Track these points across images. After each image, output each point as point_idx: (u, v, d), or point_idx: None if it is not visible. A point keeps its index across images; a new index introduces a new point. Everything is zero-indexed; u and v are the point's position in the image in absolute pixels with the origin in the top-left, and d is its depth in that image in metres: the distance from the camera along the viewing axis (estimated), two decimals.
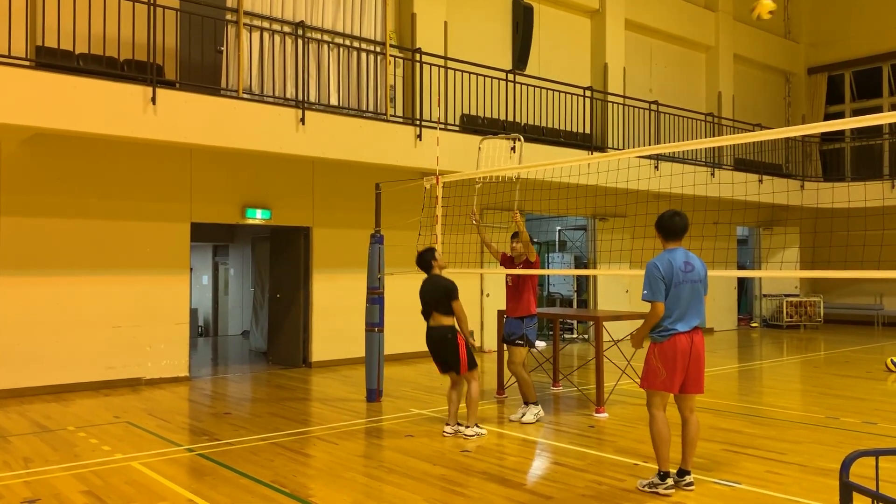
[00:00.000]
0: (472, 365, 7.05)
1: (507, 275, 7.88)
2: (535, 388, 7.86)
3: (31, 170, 9.14)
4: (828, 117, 20.37)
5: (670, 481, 5.17)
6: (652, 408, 5.24)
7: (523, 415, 7.65)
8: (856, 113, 20.17)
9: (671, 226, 5.30)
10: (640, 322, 5.52)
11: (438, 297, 7.01)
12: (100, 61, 8.88)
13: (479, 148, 8.88)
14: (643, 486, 5.25)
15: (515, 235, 7.81)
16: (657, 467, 5.26)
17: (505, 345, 8.04)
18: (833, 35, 20.32)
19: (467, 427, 6.98)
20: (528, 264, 7.72)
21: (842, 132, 19.23)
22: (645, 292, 5.22)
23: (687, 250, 5.35)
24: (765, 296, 19.23)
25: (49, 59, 8.41)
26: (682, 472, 5.28)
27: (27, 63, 8.07)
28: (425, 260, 7.29)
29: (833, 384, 10.17)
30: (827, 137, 19.41)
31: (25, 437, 6.92)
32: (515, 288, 7.77)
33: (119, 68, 9.00)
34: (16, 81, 7.60)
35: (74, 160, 9.44)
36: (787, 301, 18.52)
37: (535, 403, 7.73)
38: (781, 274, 16.34)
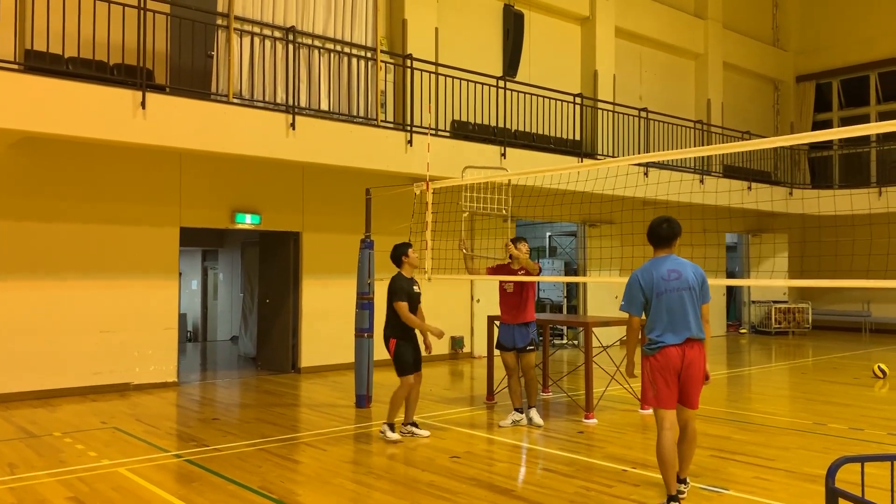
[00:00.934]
0: (401, 372, 7.05)
1: (509, 281, 7.85)
2: (521, 395, 7.87)
3: (20, 173, 9.09)
4: (816, 125, 20.52)
5: None
6: (658, 426, 4.97)
7: (513, 421, 7.66)
8: (844, 121, 20.32)
9: (658, 232, 5.11)
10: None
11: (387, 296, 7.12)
12: (89, 65, 8.84)
13: (462, 176, 8.88)
14: None
15: (513, 241, 7.79)
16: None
17: (500, 351, 7.98)
18: (821, 43, 20.49)
19: (388, 424, 7.05)
20: (528, 272, 7.76)
21: (830, 140, 19.37)
22: (622, 304, 5.14)
23: (679, 258, 5.14)
24: (753, 302, 19.32)
25: (38, 63, 8.37)
26: (678, 480, 5.23)
27: (16, 66, 8.02)
28: (395, 255, 7.34)
29: (821, 390, 10.22)
30: (815, 146, 19.54)
31: (11, 442, 6.86)
32: (518, 294, 7.76)
33: (109, 72, 8.96)
34: (4, 85, 7.56)
35: (63, 164, 9.39)
36: (775, 307, 18.60)
37: (518, 411, 7.78)
38: (771, 282, 16.41)
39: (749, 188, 16.40)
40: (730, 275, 19.25)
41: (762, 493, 5.35)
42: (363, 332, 8.80)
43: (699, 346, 4.95)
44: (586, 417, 7.95)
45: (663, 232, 5.10)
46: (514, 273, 7.81)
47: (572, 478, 5.77)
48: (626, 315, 5.25)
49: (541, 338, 11.20)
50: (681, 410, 5.06)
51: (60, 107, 7.87)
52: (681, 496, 5.12)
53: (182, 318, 14.99)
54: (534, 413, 7.73)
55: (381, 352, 11.06)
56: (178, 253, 10.41)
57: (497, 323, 8.24)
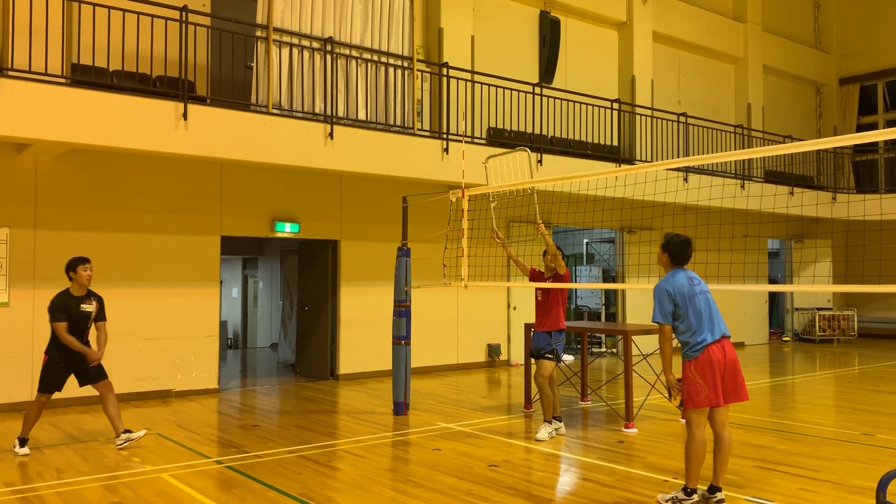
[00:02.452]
0: (39, 388, 6.89)
1: (537, 289, 7.83)
2: (560, 403, 7.78)
3: (66, 184, 9.32)
4: (860, 128, 20.07)
5: (696, 497, 5.16)
6: (692, 426, 5.21)
7: (548, 433, 7.48)
8: (889, 124, 19.85)
9: (683, 253, 5.44)
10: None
11: None
12: (133, 78, 9.05)
13: (485, 166, 8.87)
14: (665, 501, 5.21)
15: (546, 253, 7.75)
16: (684, 483, 5.25)
17: (533, 358, 7.98)
18: (865, 45, 20.06)
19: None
20: (557, 277, 7.67)
21: (875, 143, 18.93)
22: (655, 315, 5.31)
23: (688, 269, 5.48)
24: (797, 309, 18.93)
25: (84, 77, 8.59)
26: (714, 489, 5.23)
27: (63, 80, 8.25)
28: (66, 269, 7.05)
29: (868, 400, 9.97)
30: (859, 149, 19.11)
31: (58, 447, 7.03)
32: (545, 302, 7.71)
33: (151, 85, 9.17)
34: (52, 98, 7.77)
35: (108, 175, 9.61)
36: (819, 315, 18.21)
37: (557, 419, 7.65)
38: (814, 288, 16.13)
39: (791, 193, 16.10)
40: (772, 281, 18.90)
41: None
42: (401, 339, 8.82)
43: (730, 341, 5.29)
44: (626, 427, 7.86)
45: (687, 255, 5.48)
46: (544, 280, 7.76)
47: (612, 488, 5.71)
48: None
49: (578, 346, 11.09)
50: (721, 413, 5.26)
51: (105, 119, 8.05)
52: None
53: (223, 325, 15.23)
54: (541, 428, 7.50)
55: (418, 359, 11.12)
56: (219, 261, 10.56)
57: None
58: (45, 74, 7.96)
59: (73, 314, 6.86)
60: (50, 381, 6.87)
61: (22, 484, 5.78)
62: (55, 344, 6.85)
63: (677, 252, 5.42)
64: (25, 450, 6.77)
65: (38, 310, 9.07)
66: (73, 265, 6.99)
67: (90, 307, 7.00)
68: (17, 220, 9.01)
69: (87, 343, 7.03)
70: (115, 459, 6.57)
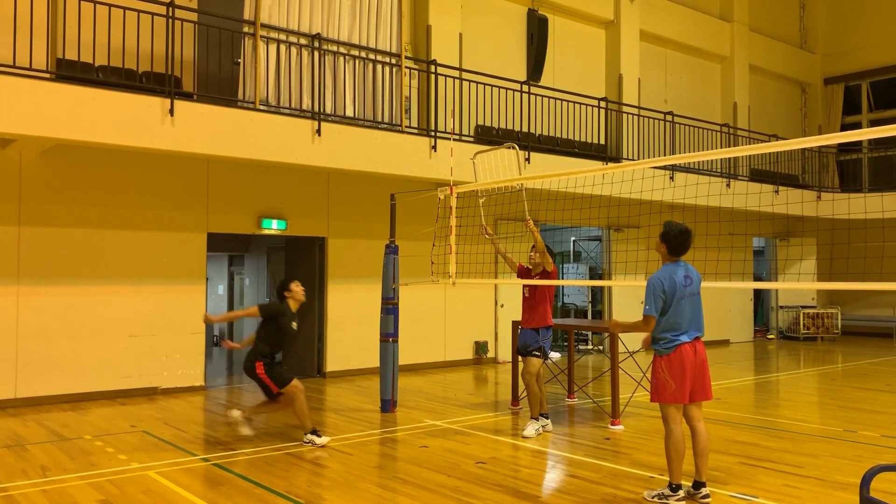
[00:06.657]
0: (284, 384, 7.09)
1: (525, 285, 7.85)
2: (546, 400, 7.81)
3: (51, 180, 9.25)
4: (845, 128, 20.23)
5: (682, 493, 5.21)
6: (669, 422, 5.28)
7: (535, 430, 7.49)
8: (873, 123, 20.00)
9: (681, 244, 5.42)
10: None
11: None
12: (119, 73, 8.98)
13: (474, 162, 8.88)
14: (651, 497, 5.25)
15: (535, 247, 7.77)
16: (668, 479, 5.29)
17: (520, 356, 8.00)
18: (850, 45, 20.22)
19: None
20: (545, 274, 7.69)
21: (859, 143, 19.10)
22: (647, 307, 5.32)
23: (687, 263, 5.49)
24: (781, 307, 19.08)
25: (69, 72, 8.52)
26: (698, 485, 5.27)
27: (48, 75, 8.18)
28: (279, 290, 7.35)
29: (851, 397, 10.07)
30: (844, 148, 19.27)
31: (43, 445, 6.97)
32: (532, 299, 7.73)
33: (138, 80, 9.10)
34: (37, 93, 7.70)
35: (93, 171, 9.54)
36: (803, 313, 18.36)
37: (544, 416, 7.66)
38: (799, 286, 16.31)
39: (776, 192, 16.21)
40: (757, 279, 19.04)
41: (792, 500, 5.29)
42: (388, 336, 8.82)
43: (702, 342, 5.41)
44: (612, 424, 7.90)
45: (686, 244, 5.46)
46: (532, 277, 7.77)
47: (599, 484, 5.74)
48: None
49: (565, 343, 11.14)
50: (694, 408, 5.35)
51: (91, 115, 7.99)
52: (705, 500, 5.24)
53: None
54: (528, 425, 7.52)
55: (405, 356, 11.11)
56: (206, 258, 10.51)
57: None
58: (30, 69, 7.89)
59: (285, 326, 7.12)
60: (281, 374, 7.07)
61: (7, 482, 5.74)
62: (260, 348, 7.03)
63: (675, 243, 5.41)
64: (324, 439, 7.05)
65: (22, 307, 9.00)
66: (286, 284, 7.29)
67: (296, 323, 7.26)
68: (0, 216, 8.93)
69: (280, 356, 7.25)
70: (101, 457, 6.53)
